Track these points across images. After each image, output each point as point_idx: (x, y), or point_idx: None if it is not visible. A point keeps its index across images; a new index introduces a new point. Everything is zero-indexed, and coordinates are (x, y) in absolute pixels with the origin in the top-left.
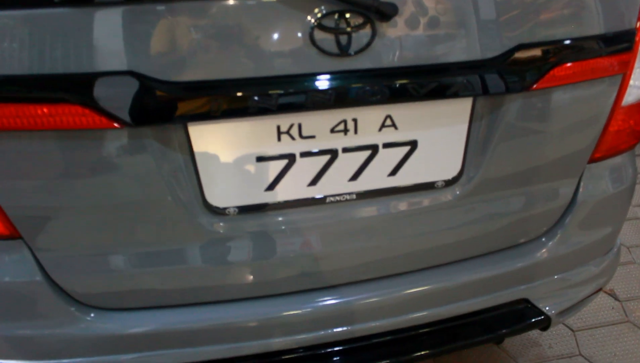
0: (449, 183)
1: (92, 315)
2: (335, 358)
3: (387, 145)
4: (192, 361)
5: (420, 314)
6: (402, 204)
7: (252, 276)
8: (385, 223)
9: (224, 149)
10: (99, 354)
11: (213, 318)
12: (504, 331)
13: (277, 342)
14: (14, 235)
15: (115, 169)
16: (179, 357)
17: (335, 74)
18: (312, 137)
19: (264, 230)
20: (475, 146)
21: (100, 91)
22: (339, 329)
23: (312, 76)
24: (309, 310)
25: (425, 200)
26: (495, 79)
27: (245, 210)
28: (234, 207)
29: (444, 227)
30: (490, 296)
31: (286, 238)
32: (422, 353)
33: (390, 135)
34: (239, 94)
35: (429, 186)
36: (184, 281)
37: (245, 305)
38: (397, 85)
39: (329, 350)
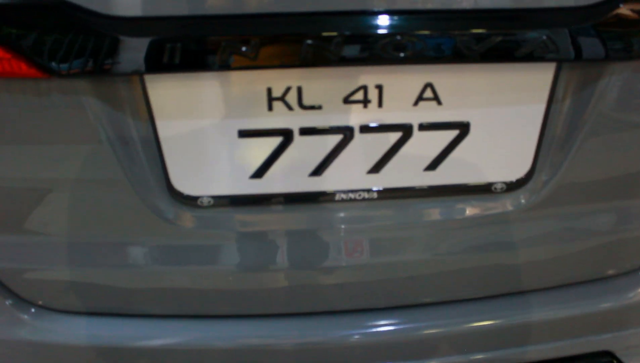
0: (512, 187)
1: (32, 310)
2: None
3: (425, 126)
4: None
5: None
6: (441, 212)
7: (226, 288)
8: (416, 236)
9: (196, 118)
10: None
11: (176, 337)
12: None
13: None
14: None
15: (50, 135)
16: None
17: (352, 15)
18: (317, 107)
19: (247, 230)
20: (554, 136)
21: (24, 26)
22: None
23: (318, 15)
24: (295, 339)
25: (475, 209)
26: (593, 39)
27: (224, 202)
28: (208, 197)
29: (499, 247)
30: (559, 344)
31: (276, 243)
32: None
33: (430, 112)
34: (214, 37)
35: (482, 190)
36: (140, 286)
37: (214, 324)
38: (445, 38)
39: None
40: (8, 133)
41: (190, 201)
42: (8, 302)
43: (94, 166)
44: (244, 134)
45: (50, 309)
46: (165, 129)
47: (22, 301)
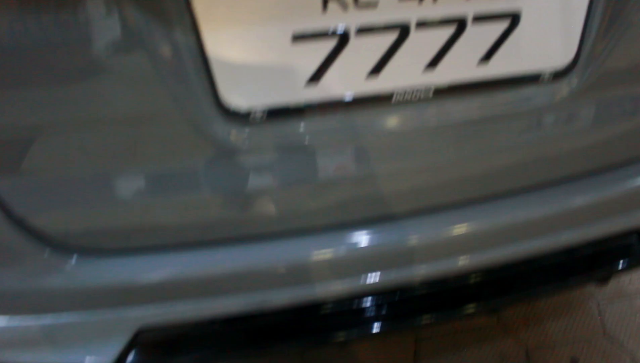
0: (559, 75)
1: (73, 260)
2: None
3: (478, 18)
4: (204, 318)
5: (512, 250)
6: (494, 104)
7: (285, 206)
8: (472, 130)
9: (245, 24)
10: (83, 308)
11: (230, 263)
12: (609, 269)
13: (316, 293)
14: None
15: (88, 50)
16: (187, 312)
17: None
18: (373, 5)
19: (303, 141)
20: (597, 23)
21: None
22: (408, 274)
23: None
24: (364, 250)
25: (526, 98)
26: None
27: (277, 113)
28: (260, 109)
29: (546, 135)
30: (596, 226)
31: (335, 152)
32: (513, 297)
33: (483, 4)
34: None
35: (532, 79)
36: (190, 214)
37: (274, 244)
38: None
39: (391, 301)
40: (41, 54)
41: (241, 115)
42: (47, 249)
43: (137, 84)
44: (297, 37)
45: (96, 252)
46: (212, 38)
47: (63, 247)
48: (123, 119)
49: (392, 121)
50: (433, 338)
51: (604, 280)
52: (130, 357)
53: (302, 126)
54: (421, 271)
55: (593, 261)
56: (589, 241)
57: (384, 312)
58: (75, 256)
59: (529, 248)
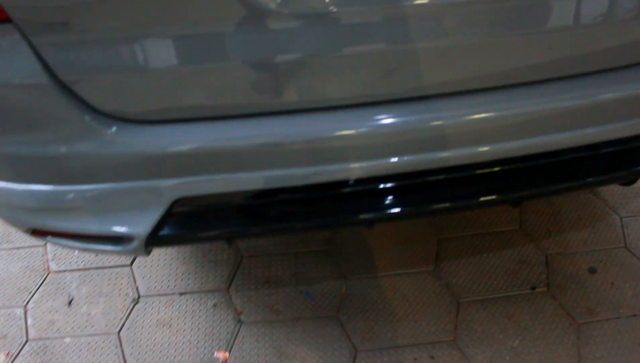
0: None
1: (113, 129)
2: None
3: None
4: (235, 191)
5: (540, 140)
6: None
7: (312, 77)
8: (506, 10)
9: None
10: (133, 178)
11: (260, 135)
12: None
13: (340, 171)
14: (1, 18)
15: None
16: (219, 185)
17: None
18: None
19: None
20: None
21: None
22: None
23: None
24: (393, 128)
25: None
26: None
27: None
28: None
29: (584, 26)
30: (625, 124)
31: (383, 21)
32: (538, 189)
33: None
34: None
35: None
36: (232, 81)
37: (303, 119)
38: None
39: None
40: None
41: None
42: (87, 116)
43: None
44: None
45: (131, 120)
46: None
47: (101, 113)
48: None
49: None
50: (454, 239)
51: (629, 181)
52: (166, 226)
53: None
54: (462, 153)
55: (619, 159)
56: (617, 139)
57: (409, 194)
58: (115, 125)
59: (557, 140)
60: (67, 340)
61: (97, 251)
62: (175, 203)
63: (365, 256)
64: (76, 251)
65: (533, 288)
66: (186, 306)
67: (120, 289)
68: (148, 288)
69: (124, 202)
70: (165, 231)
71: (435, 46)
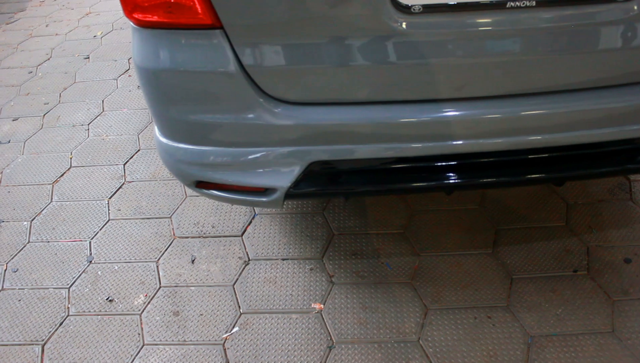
0: None
1: (278, 108)
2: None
3: None
4: (356, 158)
5: (591, 132)
6: (580, 16)
7: (434, 77)
8: (562, 35)
9: None
10: (284, 144)
11: (381, 117)
12: None
13: (448, 146)
14: (215, 25)
15: None
16: (344, 153)
17: None
18: None
19: (445, 30)
20: None
21: None
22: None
23: None
24: (480, 116)
25: (605, 13)
26: None
27: (430, 8)
28: (419, 5)
29: (617, 43)
30: None
31: (466, 40)
32: (576, 171)
33: None
34: None
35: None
36: (365, 78)
37: (416, 107)
38: None
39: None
40: None
41: (407, 8)
42: (260, 98)
43: None
44: None
45: (289, 102)
46: None
47: (269, 97)
48: (330, 2)
49: (504, 20)
50: (510, 230)
51: None
52: (302, 182)
53: (445, 18)
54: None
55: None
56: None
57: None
58: (280, 105)
59: (596, 134)
60: (192, 288)
61: (245, 203)
62: (311, 164)
63: (434, 239)
64: (198, 220)
65: (575, 271)
66: (288, 268)
67: (234, 253)
68: (256, 253)
69: (274, 162)
70: (301, 185)
71: (518, 59)
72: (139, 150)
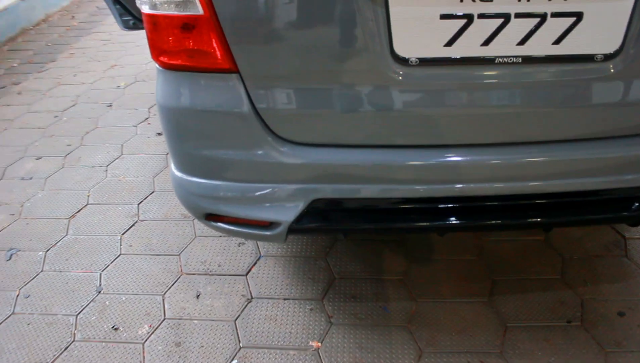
0: (608, 57)
1: (284, 148)
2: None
3: (555, 14)
4: (357, 198)
5: (573, 181)
6: (561, 73)
7: (428, 124)
8: (545, 89)
9: (415, 6)
10: (289, 182)
11: (381, 160)
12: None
13: (436, 189)
14: (232, 70)
15: (325, 15)
16: (346, 193)
17: None
18: (490, 0)
19: (439, 81)
20: (638, 22)
21: None
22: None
23: None
24: (475, 161)
25: (583, 71)
26: None
27: (425, 62)
28: (415, 58)
29: (597, 101)
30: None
31: (458, 91)
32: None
33: (559, 5)
34: None
35: (588, 59)
36: (366, 123)
37: (415, 152)
38: None
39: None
40: (302, 14)
41: (404, 61)
42: (269, 137)
43: (350, 35)
44: (443, 17)
45: (295, 142)
46: (395, 12)
47: (277, 137)
48: (335, 54)
49: (493, 75)
50: (505, 281)
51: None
52: (304, 217)
53: (439, 70)
54: (504, 187)
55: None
56: (626, 187)
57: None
58: (287, 145)
59: (582, 183)
60: (195, 321)
61: (251, 236)
62: (313, 201)
63: (432, 286)
64: (204, 260)
65: (569, 322)
66: (288, 308)
67: (237, 291)
68: (259, 292)
69: (280, 198)
70: (303, 221)
71: (501, 109)
72: (153, 192)
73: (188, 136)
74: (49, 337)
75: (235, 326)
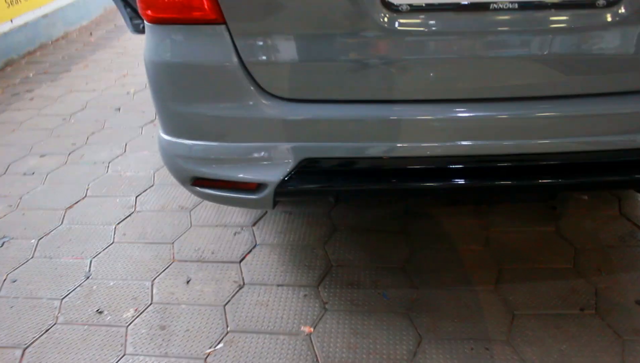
0: (610, 3)
1: (272, 103)
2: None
3: None
4: (347, 157)
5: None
6: (560, 20)
7: (420, 76)
8: (544, 38)
9: None
10: (276, 140)
11: (369, 116)
12: None
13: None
14: (219, 20)
15: None
16: (336, 152)
17: None
18: None
19: (430, 29)
20: None
21: None
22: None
23: None
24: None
25: (585, 17)
26: None
27: (416, 9)
28: (406, 4)
29: (601, 50)
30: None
31: (450, 40)
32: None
33: None
34: None
35: (590, 5)
36: (356, 75)
37: (404, 106)
38: None
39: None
40: None
41: (394, 7)
42: (257, 92)
43: None
44: None
45: (283, 98)
46: None
47: (265, 92)
48: (324, 2)
49: (487, 22)
50: (513, 270)
51: None
52: (293, 179)
53: (430, 17)
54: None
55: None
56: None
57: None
58: (275, 101)
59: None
60: (183, 306)
61: (238, 202)
62: (302, 161)
63: (435, 274)
64: (198, 245)
65: (582, 310)
66: (281, 293)
67: (229, 277)
68: (252, 278)
69: (267, 158)
70: (291, 182)
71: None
72: (152, 185)
73: (176, 93)
74: (31, 319)
75: (225, 311)
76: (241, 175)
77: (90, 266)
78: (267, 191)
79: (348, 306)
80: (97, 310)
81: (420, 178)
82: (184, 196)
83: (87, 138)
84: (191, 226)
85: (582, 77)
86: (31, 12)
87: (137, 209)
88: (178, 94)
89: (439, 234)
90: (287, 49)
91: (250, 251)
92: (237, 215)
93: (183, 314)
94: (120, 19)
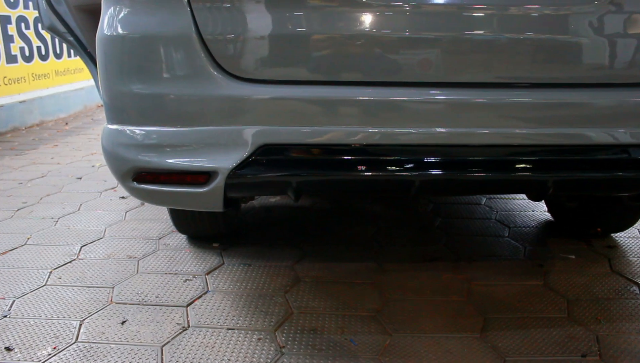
0: None
1: (225, 80)
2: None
3: None
4: (308, 144)
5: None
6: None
7: (389, 55)
8: (520, 20)
9: None
10: (230, 123)
11: (320, 96)
12: None
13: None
14: None
15: None
16: (297, 138)
17: None
18: None
19: (403, 7)
20: None
21: None
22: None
23: None
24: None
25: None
26: None
27: None
28: None
29: (585, 37)
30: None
31: (425, 16)
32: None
33: None
34: None
35: None
36: (318, 53)
37: (370, 88)
38: None
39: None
40: None
41: None
42: (214, 70)
43: None
44: None
45: (242, 78)
46: None
47: (222, 69)
48: None
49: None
50: (500, 319)
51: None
52: (247, 166)
53: None
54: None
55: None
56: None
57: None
58: (232, 80)
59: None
60: (112, 345)
61: (182, 198)
62: (261, 147)
63: (411, 323)
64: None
65: (584, 356)
66: (231, 336)
67: (172, 319)
68: (198, 321)
69: (218, 142)
70: (246, 170)
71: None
72: (102, 238)
73: (128, 71)
74: None
75: (161, 351)
76: (188, 162)
77: (11, 306)
78: (217, 182)
79: (309, 350)
80: (6, 347)
81: (391, 167)
82: (134, 246)
83: (41, 198)
84: (137, 272)
85: (565, 65)
86: (9, 96)
87: (79, 257)
88: (130, 72)
89: (414, 287)
90: (246, 24)
91: (200, 296)
92: (190, 264)
93: (111, 353)
94: (99, 113)
